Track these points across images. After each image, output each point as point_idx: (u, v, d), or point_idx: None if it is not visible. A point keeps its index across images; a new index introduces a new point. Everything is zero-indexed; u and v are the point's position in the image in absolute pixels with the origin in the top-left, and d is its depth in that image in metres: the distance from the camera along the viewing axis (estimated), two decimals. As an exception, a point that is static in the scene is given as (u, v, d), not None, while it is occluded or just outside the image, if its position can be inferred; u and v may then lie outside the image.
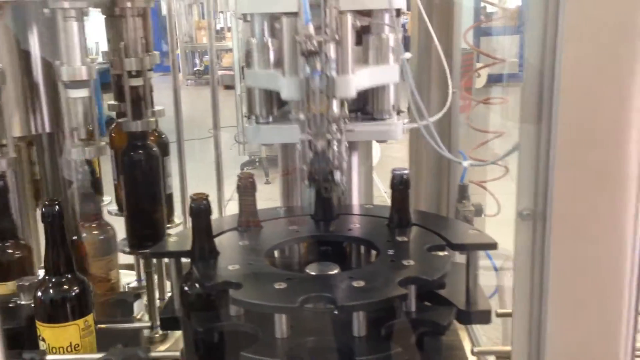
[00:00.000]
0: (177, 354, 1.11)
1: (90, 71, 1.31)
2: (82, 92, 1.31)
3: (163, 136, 1.70)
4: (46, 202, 1.13)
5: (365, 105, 1.27)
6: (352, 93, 1.07)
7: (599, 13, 0.70)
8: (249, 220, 1.20)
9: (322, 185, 1.09)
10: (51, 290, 1.12)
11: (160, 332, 1.58)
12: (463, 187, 1.90)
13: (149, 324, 1.46)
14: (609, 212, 0.75)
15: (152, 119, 1.56)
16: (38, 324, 1.12)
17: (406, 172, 1.18)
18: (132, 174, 1.56)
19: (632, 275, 0.76)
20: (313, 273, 1.05)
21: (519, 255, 0.79)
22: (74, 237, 1.46)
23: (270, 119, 1.24)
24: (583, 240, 0.76)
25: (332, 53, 1.02)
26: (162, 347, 1.55)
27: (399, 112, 1.30)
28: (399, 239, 1.14)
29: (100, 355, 1.08)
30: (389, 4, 1.14)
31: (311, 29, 0.98)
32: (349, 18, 1.05)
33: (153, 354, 1.10)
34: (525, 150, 0.76)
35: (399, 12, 1.20)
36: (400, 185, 1.18)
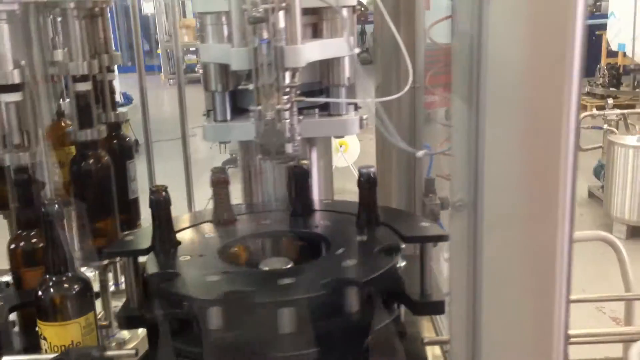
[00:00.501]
0: (132, 352, 1.08)
1: (22, 75, 1.26)
2: (14, 97, 1.26)
3: (127, 139, 1.68)
4: (45, 202, 1.11)
5: (321, 91, 1.28)
6: (301, 63, 1.07)
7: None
8: (222, 214, 1.21)
9: (274, 158, 1.08)
10: (52, 289, 1.10)
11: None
12: (429, 180, 1.90)
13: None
14: (540, 200, 0.75)
15: (102, 127, 1.47)
16: (39, 322, 1.10)
17: (373, 169, 1.17)
18: (80, 185, 1.45)
19: (562, 261, 0.76)
20: (265, 268, 1.05)
21: (454, 246, 0.78)
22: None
23: (229, 116, 1.26)
24: (514, 229, 0.76)
25: (281, 22, 1.03)
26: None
27: (356, 108, 1.31)
28: (358, 237, 1.14)
29: (52, 356, 1.06)
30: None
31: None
32: (296, -13, 1.06)
33: (108, 353, 1.07)
34: (456, 141, 0.74)
35: None
36: (367, 183, 1.16)
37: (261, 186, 1.33)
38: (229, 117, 1.27)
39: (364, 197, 1.15)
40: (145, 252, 1.09)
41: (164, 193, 1.11)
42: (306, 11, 1.18)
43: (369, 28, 15.40)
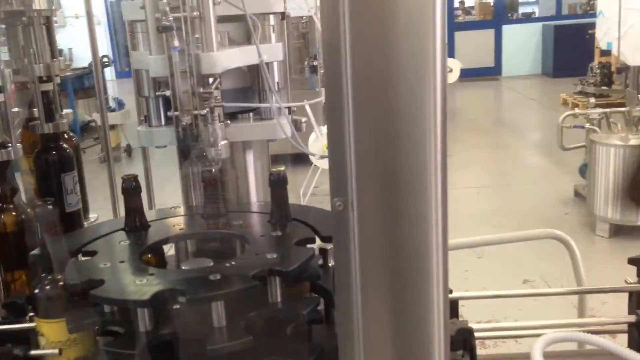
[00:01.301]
0: (56, 351, 1.11)
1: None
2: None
3: (67, 150, 1.68)
4: (39, 202, 1.15)
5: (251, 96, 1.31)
6: (218, 69, 1.10)
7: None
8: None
9: (194, 162, 1.11)
10: (48, 287, 1.12)
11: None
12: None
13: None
14: (411, 199, 0.77)
15: (64, 121, 1.57)
16: (37, 319, 1.12)
17: (282, 169, 1.21)
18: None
19: (438, 256, 0.79)
20: (185, 268, 1.08)
21: (337, 245, 0.80)
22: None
23: (163, 121, 1.28)
24: (389, 227, 0.79)
25: (196, 31, 1.06)
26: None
27: (290, 112, 1.34)
28: (273, 233, 1.17)
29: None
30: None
31: (166, 5, 1.01)
32: (210, -3, 1.09)
33: (33, 352, 1.10)
34: (331, 148, 0.77)
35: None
36: (277, 183, 1.20)
37: (193, 190, 1.35)
38: (163, 122, 1.29)
39: (275, 196, 1.18)
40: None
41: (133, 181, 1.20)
42: (231, 18, 1.22)
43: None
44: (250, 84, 1.33)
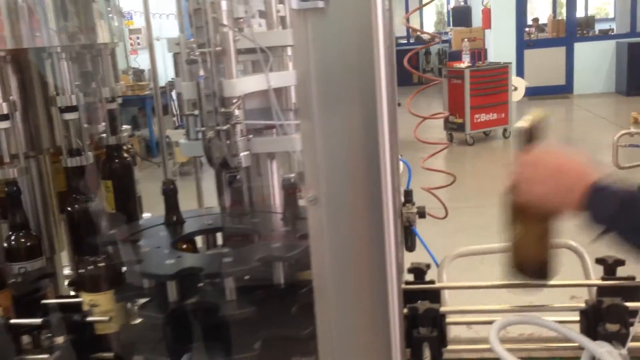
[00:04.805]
0: (39, 321, 1.33)
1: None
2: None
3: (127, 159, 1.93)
4: (76, 197, 1.43)
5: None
6: (237, 93, 1.35)
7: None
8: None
9: (219, 169, 1.36)
10: (90, 266, 1.36)
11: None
12: (408, 192, 2.13)
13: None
14: (368, 194, 0.97)
15: (125, 134, 1.85)
16: (82, 293, 1.36)
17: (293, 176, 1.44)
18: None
19: (390, 247, 0.99)
20: (207, 253, 1.32)
21: (312, 236, 1.00)
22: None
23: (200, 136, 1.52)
24: (351, 218, 0.99)
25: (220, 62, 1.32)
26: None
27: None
28: (283, 229, 1.40)
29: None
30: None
31: (192, 43, 1.28)
32: (230, 35, 1.34)
33: (13, 321, 1.32)
34: (305, 148, 0.97)
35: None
36: (289, 188, 1.43)
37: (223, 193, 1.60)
38: (200, 136, 1.55)
39: (287, 198, 1.42)
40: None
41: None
42: (252, 50, 1.46)
43: (433, 48, 15.59)
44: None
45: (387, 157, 0.98)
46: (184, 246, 1.43)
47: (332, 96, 0.98)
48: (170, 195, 1.47)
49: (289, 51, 1.50)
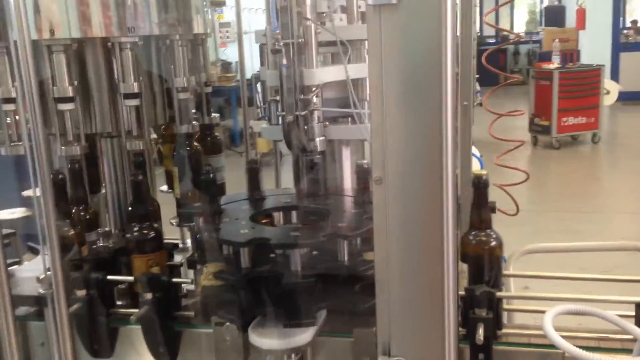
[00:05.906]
0: (189, 280, 1.51)
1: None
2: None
3: (217, 137, 2.10)
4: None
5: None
6: (315, 82, 1.46)
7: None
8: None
9: (297, 152, 1.48)
10: (137, 233, 1.55)
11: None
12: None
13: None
14: (430, 176, 1.07)
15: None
16: (133, 256, 1.54)
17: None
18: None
19: (447, 228, 1.08)
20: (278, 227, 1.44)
21: (376, 213, 1.11)
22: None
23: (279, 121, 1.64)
24: (413, 199, 1.10)
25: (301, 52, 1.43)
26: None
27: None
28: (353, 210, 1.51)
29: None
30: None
31: (278, 34, 1.39)
32: (312, 27, 1.44)
33: (174, 280, 1.51)
34: (374, 134, 1.09)
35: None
36: (362, 175, 1.54)
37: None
38: (280, 121, 1.67)
39: (359, 185, 1.52)
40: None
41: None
42: (332, 43, 1.57)
43: (523, 48, 15.22)
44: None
45: (450, 145, 1.06)
46: (263, 221, 1.56)
47: (400, 88, 1.07)
48: (253, 173, 1.60)
49: (367, 45, 1.59)
